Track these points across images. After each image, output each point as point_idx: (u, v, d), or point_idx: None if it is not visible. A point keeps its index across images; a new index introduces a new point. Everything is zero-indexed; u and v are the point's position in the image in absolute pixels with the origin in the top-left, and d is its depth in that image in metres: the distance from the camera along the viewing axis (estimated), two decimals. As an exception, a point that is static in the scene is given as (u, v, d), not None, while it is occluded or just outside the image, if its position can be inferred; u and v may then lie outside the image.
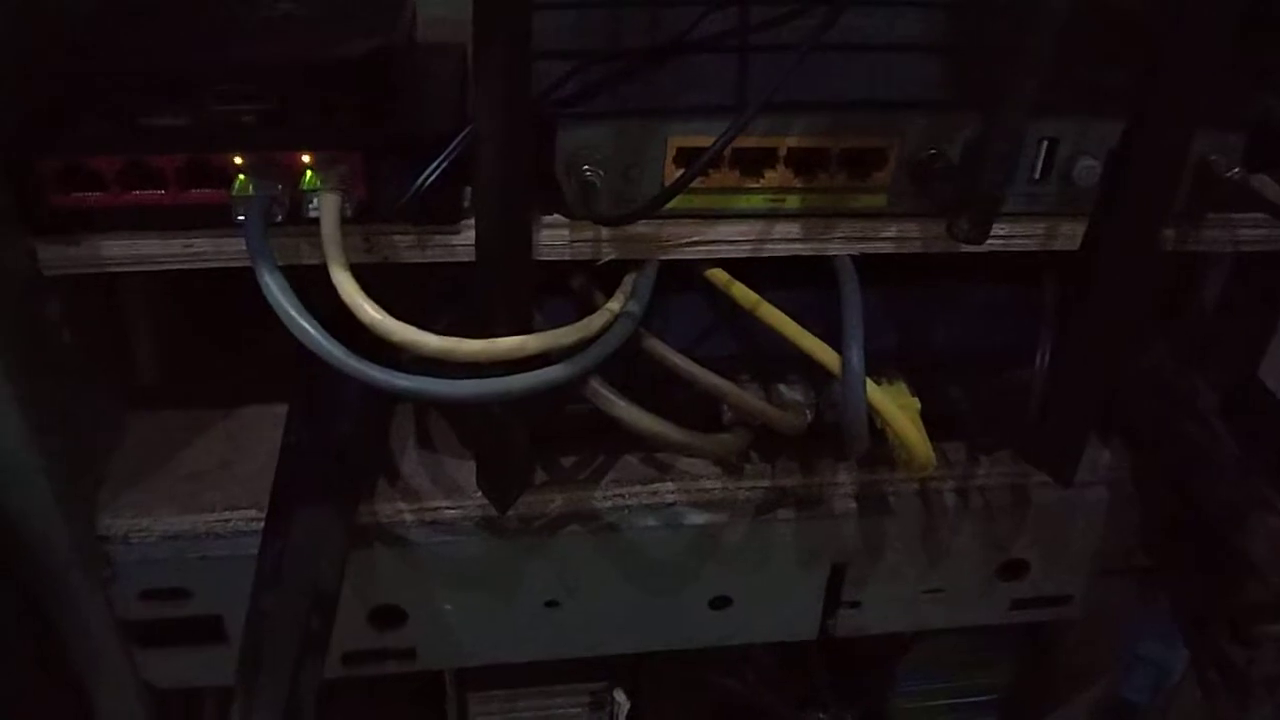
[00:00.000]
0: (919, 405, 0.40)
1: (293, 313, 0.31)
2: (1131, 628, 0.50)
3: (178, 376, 0.46)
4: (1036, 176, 0.38)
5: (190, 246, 0.36)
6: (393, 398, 0.44)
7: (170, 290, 0.46)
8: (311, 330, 0.31)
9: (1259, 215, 0.40)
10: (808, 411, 0.40)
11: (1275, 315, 0.40)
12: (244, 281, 0.36)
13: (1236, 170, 0.38)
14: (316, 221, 0.35)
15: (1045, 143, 0.38)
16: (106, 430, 0.43)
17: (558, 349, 0.34)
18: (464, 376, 0.34)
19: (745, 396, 0.38)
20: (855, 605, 0.47)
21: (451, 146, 0.33)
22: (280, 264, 0.33)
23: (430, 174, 0.33)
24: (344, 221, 0.35)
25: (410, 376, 0.32)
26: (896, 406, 0.38)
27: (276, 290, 0.32)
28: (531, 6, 0.29)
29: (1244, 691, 0.44)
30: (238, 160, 0.35)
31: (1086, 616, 0.50)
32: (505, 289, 0.33)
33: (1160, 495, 0.44)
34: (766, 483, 0.43)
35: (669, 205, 0.36)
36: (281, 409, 0.44)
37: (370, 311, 0.31)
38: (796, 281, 0.40)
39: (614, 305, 0.37)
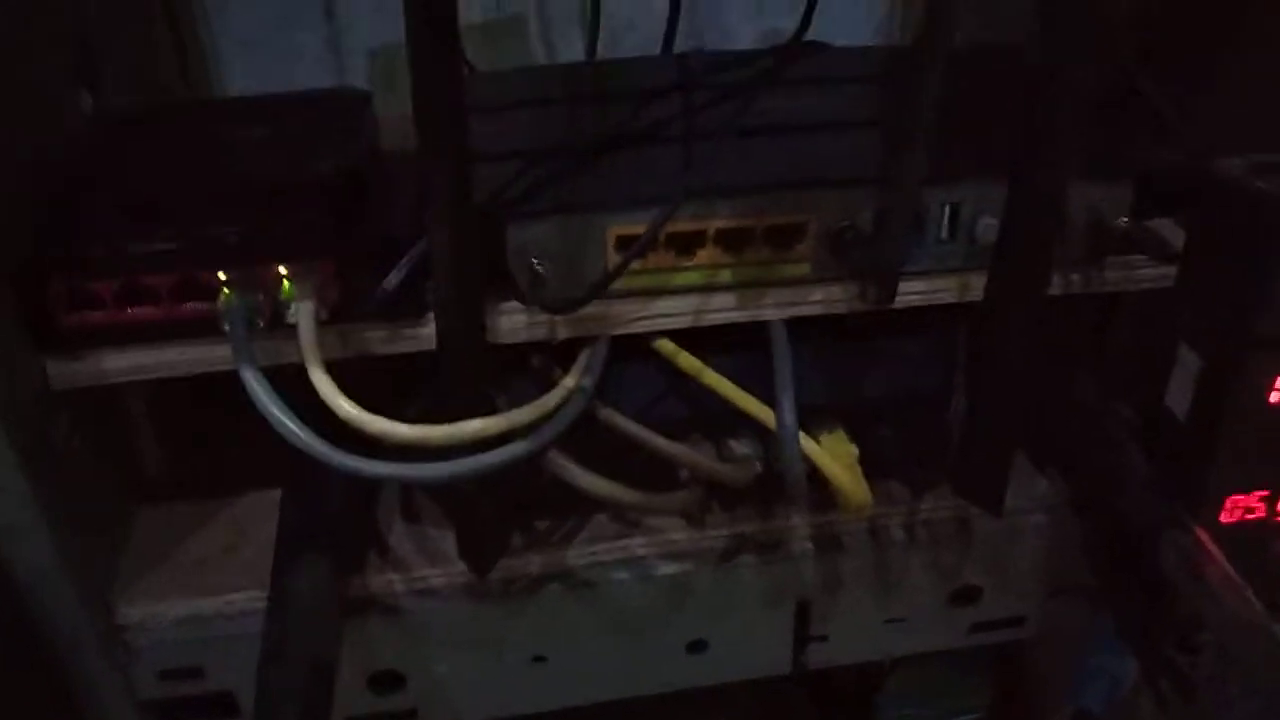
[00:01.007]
0: (856, 451, 0.43)
1: (276, 412, 0.35)
2: (1085, 642, 0.53)
3: (179, 469, 0.50)
4: (944, 236, 0.42)
5: (184, 355, 0.40)
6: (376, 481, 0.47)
7: (168, 390, 0.49)
8: (294, 427, 0.35)
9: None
10: (757, 464, 0.44)
11: (1175, 344, 0.44)
12: (230, 381, 0.40)
13: (1123, 220, 0.42)
14: (294, 326, 0.39)
15: (948, 207, 0.42)
16: (116, 525, 0.47)
17: (519, 426, 0.38)
18: (438, 457, 0.38)
19: (696, 457, 0.42)
20: (823, 639, 0.51)
21: (411, 254, 0.37)
22: (266, 364, 0.37)
23: (394, 279, 0.37)
24: (320, 323, 0.39)
25: (386, 463, 0.36)
26: (830, 455, 0.41)
27: (261, 392, 0.36)
28: (467, 124, 0.33)
29: (1191, 694, 0.47)
30: (222, 275, 0.39)
31: (1045, 634, 0.53)
32: (466, 374, 0.37)
33: (1093, 519, 0.47)
34: (727, 531, 0.47)
35: (614, 286, 0.40)
36: (276, 495, 0.48)
37: (347, 408, 0.35)
38: (737, 345, 0.43)
39: (569, 381, 0.40)
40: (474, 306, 0.36)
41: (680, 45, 0.61)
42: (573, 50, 0.72)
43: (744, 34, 0.78)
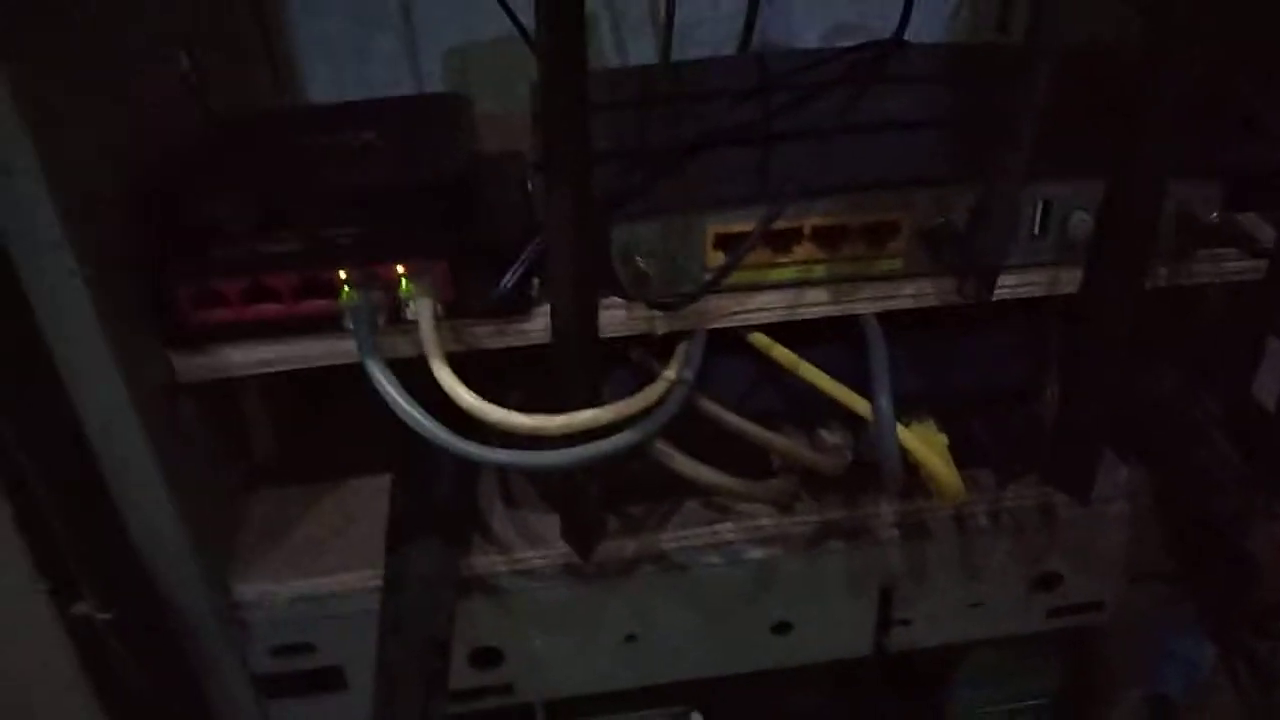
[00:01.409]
0: (946, 440, 0.45)
1: (403, 403, 0.37)
2: (1163, 627, 0.54)
3: (288, 457, 0.52)
4: (1036, 232, 0.43)
5: (304, 350, 0.42)
6: (484, 466, 0.49)
7: (279, 382, 0.52)
8: (422, 418, 0.37)
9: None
10: (848, 453, 0.45)
11: (1262, 336, 0.44)
12: (340, 373, 0.42)
13: (1216, 214, 0.43)
14: (412, 322, 0.41)
15: (1042, 203, 0.43)
16: (232, 508, 0.49)
17: (627, 416, 0.40)
18: (541, 446, 0.40)
19: (791, 446, 0.43)
20: (905, 623, 0.52)
21: (527, 253, 0.39)
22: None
23: (511, 277, 0.39)
24: (436, 319, 0.41)
25: (506, 451, 0.38)
26: (925, 444, 0.42)
27: (387, 384, 0.38)
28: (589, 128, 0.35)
29: (1270, 679, 0.48)
30: (342, 275, 0.41)
31: (1122, 620, 0.54)
32: (578, 368, 0.39)
33: (1176, 507, 0.48)
34: (816, 518, 0.48)
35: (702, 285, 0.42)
36: (382, 480, 0.50)
37: (468, 399, 0.37)
38: (827, 337, 0.45)
39: (671, 374, 0.42)
40: (589, 304, 0.38)
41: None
42: (641, 48, 0.73)
43: (810, 29, 0.79)
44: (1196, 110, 0.38)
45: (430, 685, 0.38)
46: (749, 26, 0.62)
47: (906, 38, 0.52)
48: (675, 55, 0.62)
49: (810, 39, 0.80)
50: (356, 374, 0.42)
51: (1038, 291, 0.44)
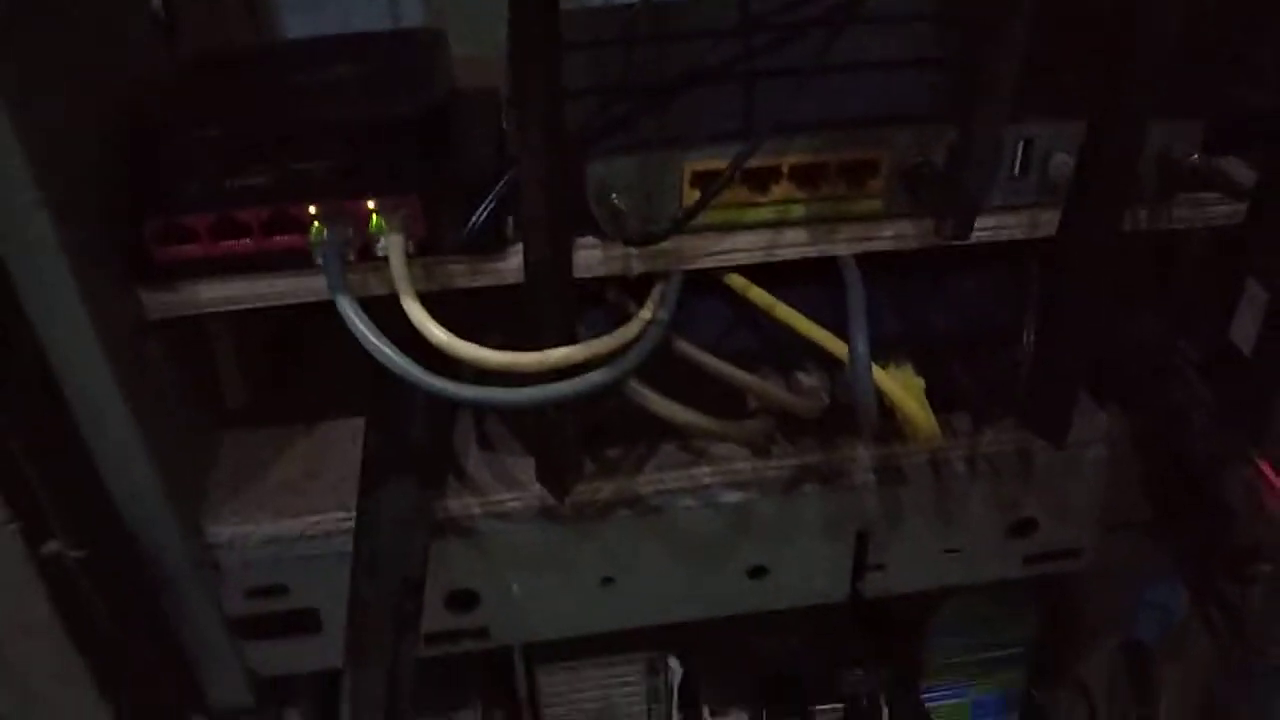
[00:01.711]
0: (923, 384, 0.44)
1: (374, 339, 0.37)
2: (1138, 574, 0.54)
3: (259, 399, 0.52)
4: (1016, 173, 0.43)
5: (273, 287, 0.41)
6: (457, 405, 0.49)
7: (249, 322, 0.51)
8: (393, 354, 0.36)
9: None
10: (824, 395, 0.45)
11: (1241, 280, 0.44)
12: (310, 313, 0.42)
13: (1195, 156, 0.42)
14: (383, 259, 0.40)
15: (1022, 143, 0.42)
16: (204, 450, 0.49)
17: (600, 355, 0.39)
18: (517, 384, 0.39)
19: (768, 387, 0.43)
20: (880, 568, 0.52)
21: (498, 189, 0.38)
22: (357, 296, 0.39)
23: (481, 213, 0.38)
24: (407, 257, 0.40)
25: (477, 388, 0.37)
26: (901, 387, 0.42)
27: (357, 320, 0.37)
28: (560, 61, 0.34)
29: (1240, 624, 0.49)
30: (312, 210, 0.40)
31: (1099, 568, 0.55)
32: (552, 306, 0.38)
33: (1153, 452, 0.48)
34: (792, 461, 0.48)
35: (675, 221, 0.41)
36: (354, 423, 0.50)
37: (439, 334, 0.37)
38: (803, 278, 0.44)
39: (646, 314, 0.41)
40: (564, 241, 0.37)
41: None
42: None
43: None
44: (1178, 48, 0.38)
45: (401, 625, 0.38)
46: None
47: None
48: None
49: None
50: (327, 314, 0.41)
51: (1017, 234, 0.44)
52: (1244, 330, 0.44)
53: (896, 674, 0.63)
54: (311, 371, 0.53)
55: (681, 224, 0.39)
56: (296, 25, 0.74)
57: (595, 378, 0.39)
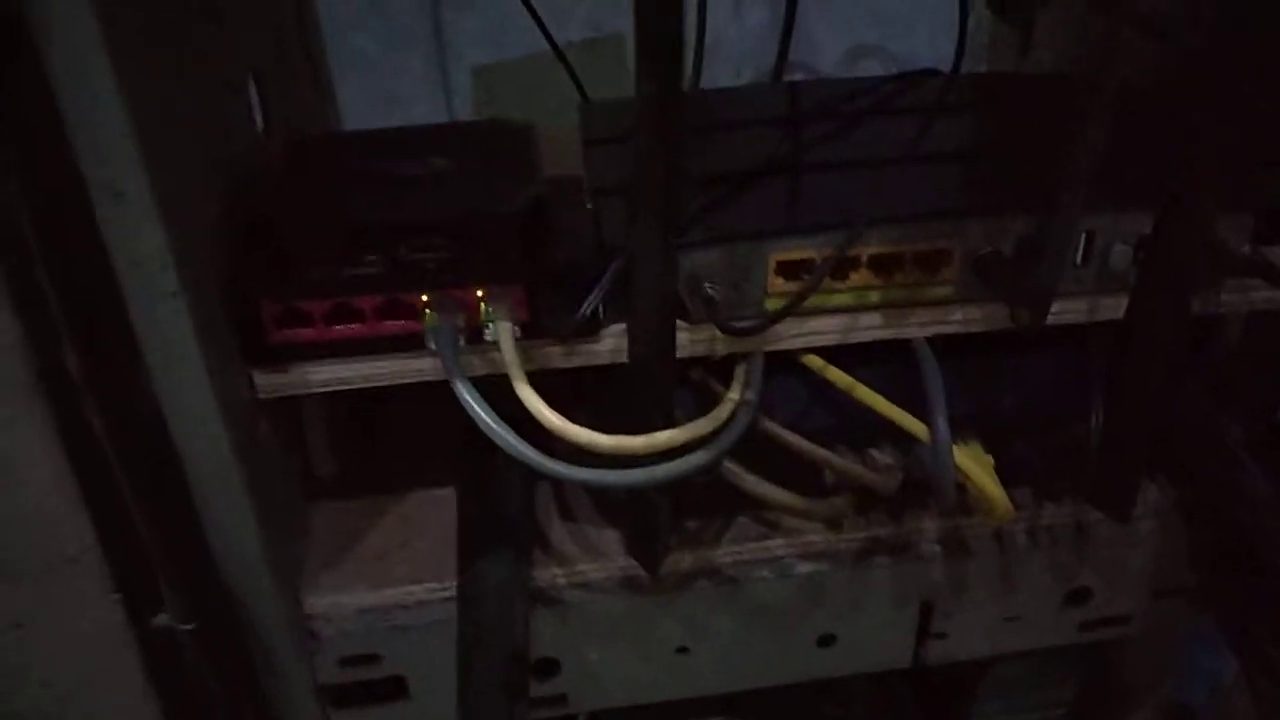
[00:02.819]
0: (993, 461, 0.47)
1: (492, 423, 0.39)
2: (1186, 639, 0.56)
3: (349, 471, 0.54)
4: (1078, 262, 0.46)
5: (382, 369, 0.44)
6: (548, 479, 0.51)
7: (340, 398, 0.53)
8: (509, 436, 0.39)
9: (1270, 280, 0.47)
10: (899, 472, 0.47)
11: (1290, 365, 0.47)
12: (390, 390, 0.44)
13: (1247, 247, 0.45)
14: (490, 343, 0.42)
15: (1084, 234, 0.45)
16: (299, 521, 0.51)
17: (700, 437, 0.41)
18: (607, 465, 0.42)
19: (850, 466, 0.45)
20: (942, 636, 0.54)
21: (605, 279, 0.41)
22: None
23: (592, 303, 0.41)
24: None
25: (588, 470, 0.39)
26: (976, 465, 0.45)
27: (475, 404, 0.39)
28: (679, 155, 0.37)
29: (1290, 691, 0.51)
30: (424, 297, 0.42)
31: (1144, 632, 0.57)
32: (657, 390, 0.41)
33: (1203, 525, 0.50)
34: (863, 534, 0.50)
35: (773, 307, 0.44)
36: (443, 493, 0.52)
37: (553, 419, 0.39)
38: (873, 358, 0.47)
39: (734, 395, 0.44)
40: (670, 328, 0.39)
41: (767, 63, 0.64)
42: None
43: (833, 50, 0.81)
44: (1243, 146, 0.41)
45: (513, 697, 0.40)
46: (781, 56, 0.64)
47: (933, 65, 0.55)
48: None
49: (832, 59, 0.82)
50: (408, 390, 0.44)
51: (1078, 319, 0.47)
52: (1294, 411, 0.47)
53: (947, 738, 0.64)
54: (394, 443, 0.55)
55: (781, 317, 0.41)
56: (351, 106, 0.76)
57: (696, 459, 0.41)
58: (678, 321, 0.44)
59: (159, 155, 0.35)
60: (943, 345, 0.46)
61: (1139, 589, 0.54)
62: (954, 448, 0.44)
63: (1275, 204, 0.46)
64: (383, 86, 0.81)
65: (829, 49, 0.81)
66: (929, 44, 0.78)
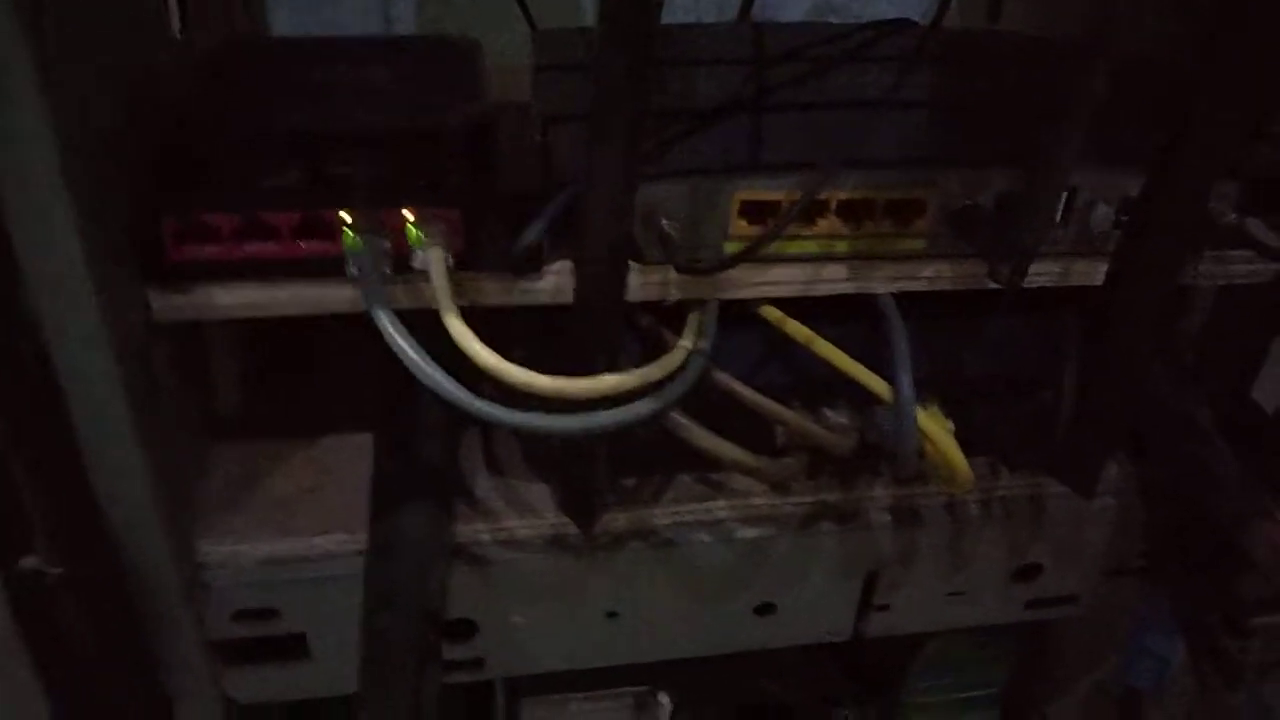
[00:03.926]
0: (953, 427, 0.44)
1: (418, 359, 0.35)
2: (1134, 622, 0.55)
3: (255, 409, 0.49)
4: (1057, 221, 0.43)
5: (297, 296, 0.39)
6: (475, 424, 0.47)
7: (248, 326, 0.48)
8: (437, 375, 0.34)
9: (1249, 251, 0.45)
10: (854, 434, 0.44)
11: (1266, 339, 0.45)
12: (314, 320, 0.39)
13: (1233, 215, 0.43)
14: (417, 271, 0.38)
15: (1066, 192, 0.42)
16: (196, 462, 0.46)
17: (648, 384, 0.38)
18: (535, 408, 0.38)
19: (806, 423, 0.42)
20: (884, 609, 0.51)
21: (554, 207, 0.37)
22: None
23: (533, 232, 0.36)
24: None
25: (525, 414, 0.35)
26: (940, 430, 0.42)
27: (399, 337, 0.35)
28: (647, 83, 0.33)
29: (1236, 677, 0.49)
30: (346, 216, 0.38)
31: (1088, 613, 0.55)
32: (603, 332, 0.37)
33: (1163, 503, 0.48)
34: (810, 498, 0.47)
35: (730, 251, 0.40)
36: (358, 438, 0.47)
37: (487, 356, 0.35)
38: (833, 315, 0.44)
39: (687, 342, 0.40)
40: (621, 267, 0.36)
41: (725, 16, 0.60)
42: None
43: (794, 11, 0.78)
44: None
45: (423, 660, 0.36)
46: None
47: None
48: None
49: (797, 15, 0.78)
50: (328, 323, 0.39)
51: (1050, 281, 0.44)
52: (1269, 389, 0.44)
53: (880, 714, 0.62)
54: (308, 380, 0.51)
55: (746, 256, 0.37)
56: (284, 24, 0.71)
57: (642, 407, 0.37)
58: (630, 263, 0.41)
59: (50, 51, 0.30)
60: (906, 304, 0.43)
61: (1090, 568, 0.52)
62: (919, 410, 0.41)
63: (1264, 172, 0.43)
64: (317, 10, 0.75)
65: (791, 8, 0.78)
66: (897, 9, 0.75)
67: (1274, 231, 0.45)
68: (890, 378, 0.41)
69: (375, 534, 0.40)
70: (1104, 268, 0.42)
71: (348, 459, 0.46)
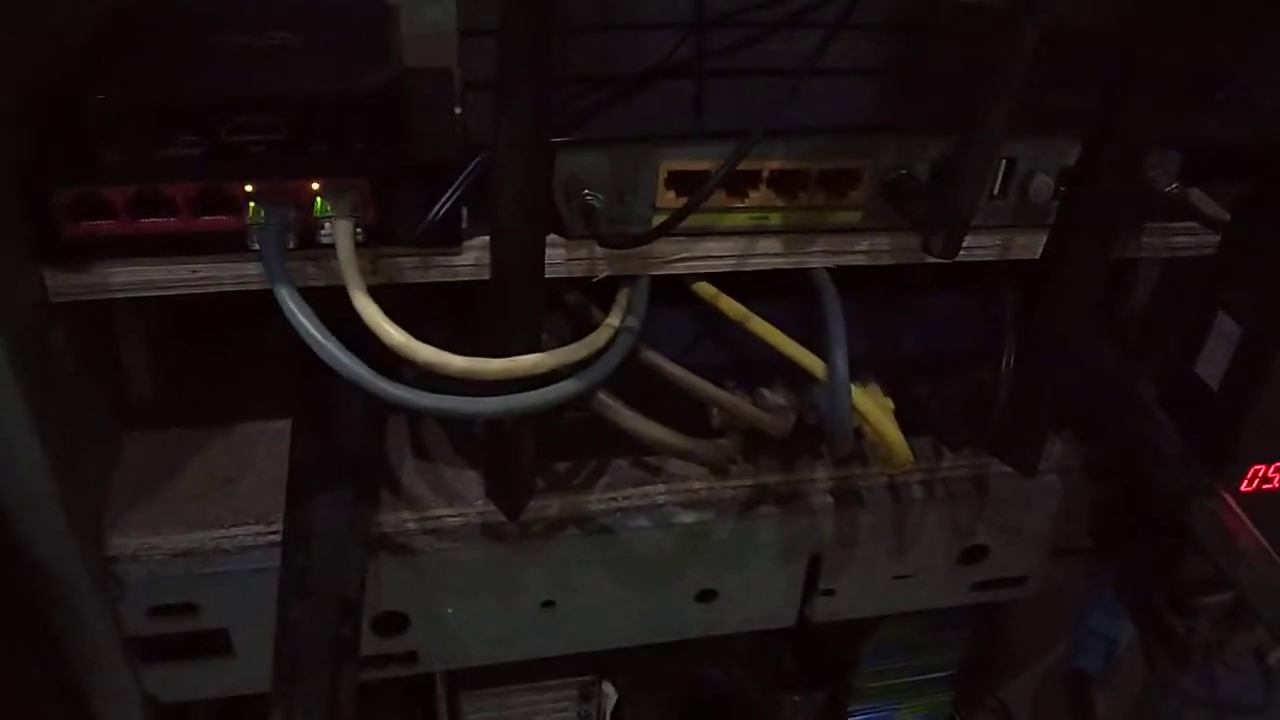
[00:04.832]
0: (892, 405, 0.43)
1: (319, 337, 0.33)
2: (1082, 603, 0.54)
3: (169, 396, 0.47)
4: (995, 193, 0.42)
5: (199, 273, 0.37)
6: (393, 409, 0.45)
7: (159, 309, 0.46)
8: (339, 354, 0.33)
9: (1191, 224, 0.44)
10: (791, 414, 0.43)
11: (1208, 314, 0.44)
12: (229, 301, 0.38)
13: (1175, 185, 0.42)
14: (324, 246, 0.36)
15: (1004, 162, 0.41)
16: (105, 450, 0.44)
17: (570, 364, 0.36)
18: (464, 392, 0.36)
19: (740, 403, 0.41)
20: (830, 593, 0.50)
21: (463, 177, 0.35)
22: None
23: (445, 204, 0.35)
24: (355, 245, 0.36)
25: (439, 396, 0.34)
26: (877, 408, 0.40)
27: (302, 317, 0.33)
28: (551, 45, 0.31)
29: (1184, 656, 0.48)
30: (249, 189, 0.36)
31: (1038, 594, 0.54)
32: (521, 310, 0.35)
33: (1108, 482, 0.47)
34: (750, 481, 0.46)
35: (658, 224, 0.38)
36: (276, 425, 0.46)
37: (395, 335, 0.33)
38: (770, 291, 0.42)
39: (614, 321, 0.39)
40: (538, 240, 0.34)
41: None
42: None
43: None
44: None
45: (340, 652, 0.34)
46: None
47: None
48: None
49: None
50: (242, 302, 0.37)
51: (990, 255, 0.43)
52: (1211, 364, 0.44)
53: (830, 699, 0.61)
54: (225, 365, 0.49)
55: (670, 227, 0.36)
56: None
57: (565, 388, 0.36)
58: (554, 238, 0.39)
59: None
60: (842, 280, 0.42)
61: (1037, 549, 0.51)
62: (855, 388, 0.40)
63: (1206, 142, 0.42)
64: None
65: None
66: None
67: (1217, 203, 0.44)
68: (825, 355, 0.39)
69: (289, 522, 0.38)
70: (1043, 240, 0.41)
71: (265, 448, 0.44)
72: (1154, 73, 0.34)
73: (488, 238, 0.37)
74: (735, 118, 0.39)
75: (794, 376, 0.42)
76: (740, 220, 0.40)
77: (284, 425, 0.44)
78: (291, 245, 0.36)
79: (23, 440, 0.36)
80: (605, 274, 0.40)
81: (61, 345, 0.39)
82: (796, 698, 0.60)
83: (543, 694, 0.55)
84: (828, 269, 0.42)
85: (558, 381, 0.37)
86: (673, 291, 0.42)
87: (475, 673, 0.53)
